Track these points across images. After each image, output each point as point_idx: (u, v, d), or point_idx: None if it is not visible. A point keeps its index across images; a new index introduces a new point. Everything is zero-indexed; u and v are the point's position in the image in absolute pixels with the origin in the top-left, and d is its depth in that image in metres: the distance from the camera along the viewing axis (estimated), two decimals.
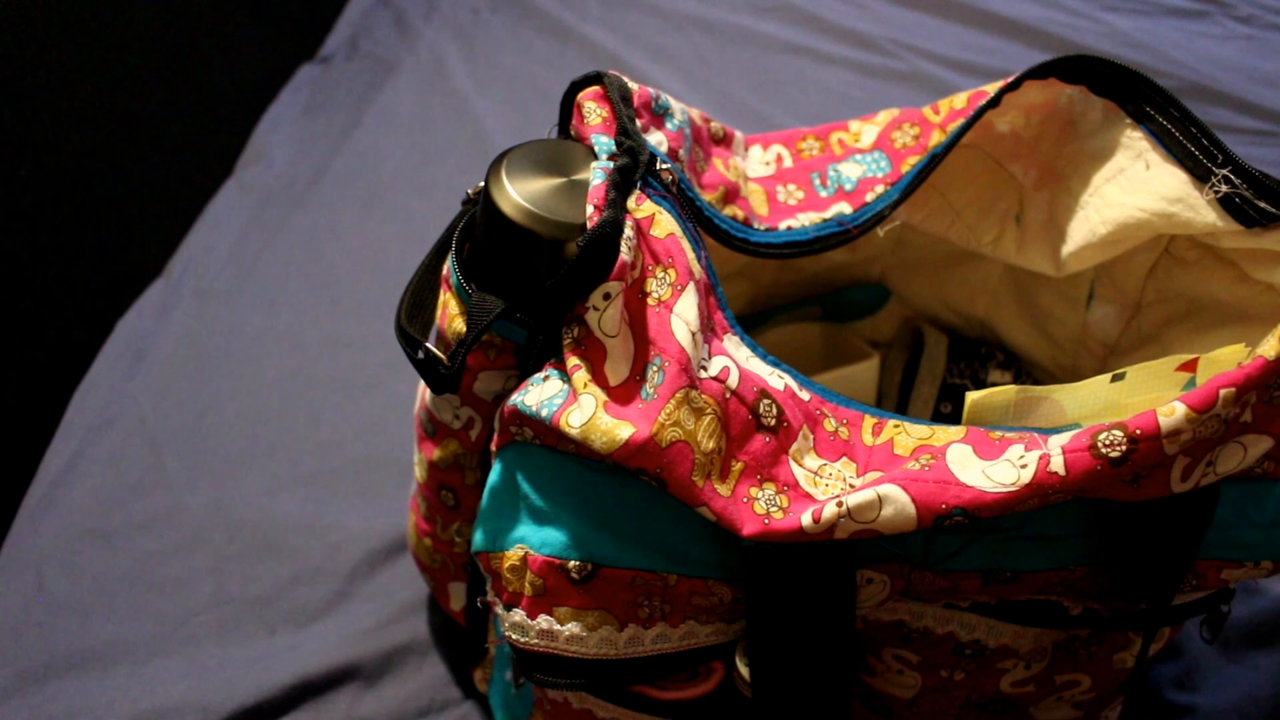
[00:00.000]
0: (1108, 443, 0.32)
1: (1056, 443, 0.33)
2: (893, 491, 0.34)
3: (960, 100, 0.46)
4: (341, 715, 0.55)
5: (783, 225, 0.45)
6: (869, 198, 0.46)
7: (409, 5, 1.23)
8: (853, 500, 0.34)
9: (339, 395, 0.75)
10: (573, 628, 0.37)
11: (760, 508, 0.35)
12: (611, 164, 0.37)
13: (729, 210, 0.44)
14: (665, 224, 0.37)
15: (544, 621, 0.37)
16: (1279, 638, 0.58)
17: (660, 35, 1.17)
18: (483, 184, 0.39)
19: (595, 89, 0.40)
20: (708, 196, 0.43)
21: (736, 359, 0.38)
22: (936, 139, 0.45)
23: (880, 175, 0.46)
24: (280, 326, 0.81)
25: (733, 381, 0.36)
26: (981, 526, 0.37)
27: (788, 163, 0.48)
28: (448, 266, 0.41)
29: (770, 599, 0.38)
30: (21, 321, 0.72)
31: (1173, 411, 0.32)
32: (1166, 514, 0.36)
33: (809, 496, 0.36)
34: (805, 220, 0.45)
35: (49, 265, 0.75)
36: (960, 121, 0.44)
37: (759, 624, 0.38)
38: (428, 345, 0.38)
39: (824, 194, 0.46)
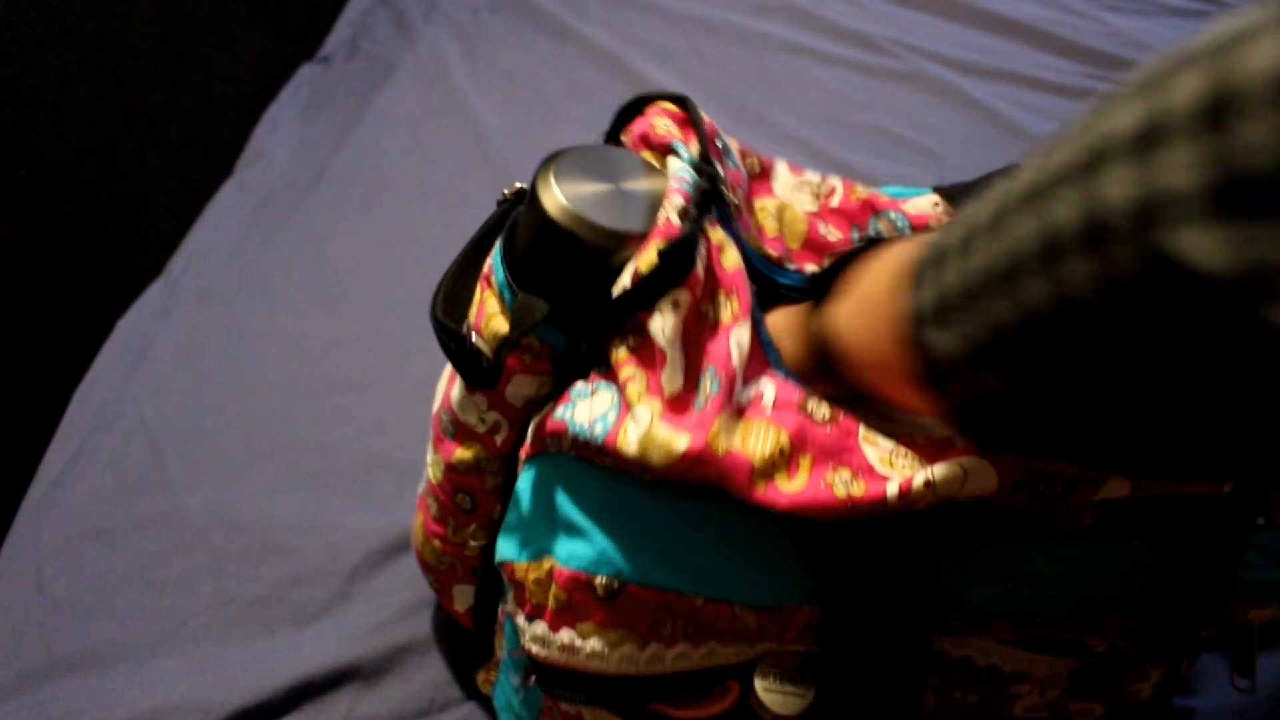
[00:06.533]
0: None
1: None
2: (976, 463, 0.34)
3: None
4: (341, 715, 0.55)
5: (809, 267, 0.45)
6: None
7: (409, 5, 1.23)
8: (938, 470, 0.34)
9: (339, 395, 0.75)
10: (595, 644, 0.37)
11: (840, 490, 0.35)
12: (696, 173, 0.38)
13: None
14: (733, 257, 0.37)
15: (566, 636, 0.37)
16: (1279, 640, 0.58)
17: (660, 35, 1.17)
18: (524, 185, 0.39)
19: (672, 108, 0.41)
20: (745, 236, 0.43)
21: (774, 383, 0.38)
22: None
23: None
24: (280, 326, 0.81)
25: (768, 399, 0.36)
26: (1018, 574, 0.37)
27: (834, 202, 0.48)
28: (489, 264, 0.40)
29: (851, 582, 0.37)
30: (21, 321, 0.72)
31: None
32: (1198, 554, 0.36)
33: (884, 479, 0.36)
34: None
35: (49, 265, 0.75)
36: None
37: (836, 612, 0.38)
38: (472, 339, 0.38)
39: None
